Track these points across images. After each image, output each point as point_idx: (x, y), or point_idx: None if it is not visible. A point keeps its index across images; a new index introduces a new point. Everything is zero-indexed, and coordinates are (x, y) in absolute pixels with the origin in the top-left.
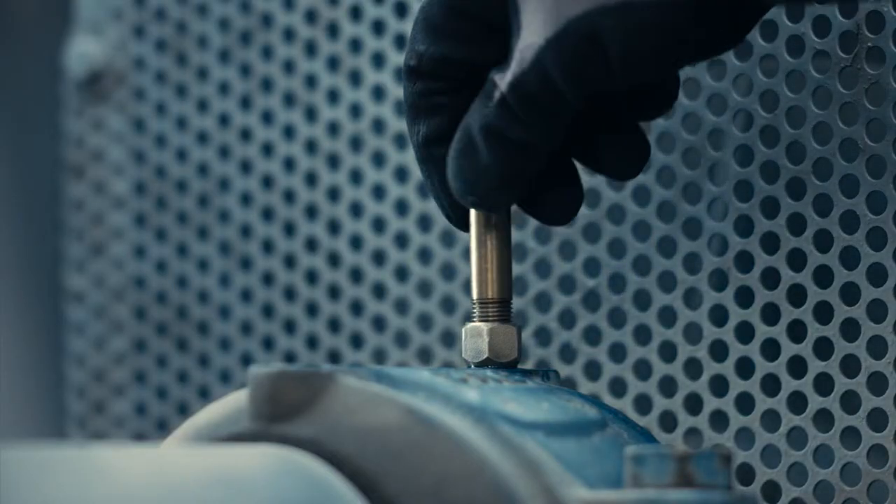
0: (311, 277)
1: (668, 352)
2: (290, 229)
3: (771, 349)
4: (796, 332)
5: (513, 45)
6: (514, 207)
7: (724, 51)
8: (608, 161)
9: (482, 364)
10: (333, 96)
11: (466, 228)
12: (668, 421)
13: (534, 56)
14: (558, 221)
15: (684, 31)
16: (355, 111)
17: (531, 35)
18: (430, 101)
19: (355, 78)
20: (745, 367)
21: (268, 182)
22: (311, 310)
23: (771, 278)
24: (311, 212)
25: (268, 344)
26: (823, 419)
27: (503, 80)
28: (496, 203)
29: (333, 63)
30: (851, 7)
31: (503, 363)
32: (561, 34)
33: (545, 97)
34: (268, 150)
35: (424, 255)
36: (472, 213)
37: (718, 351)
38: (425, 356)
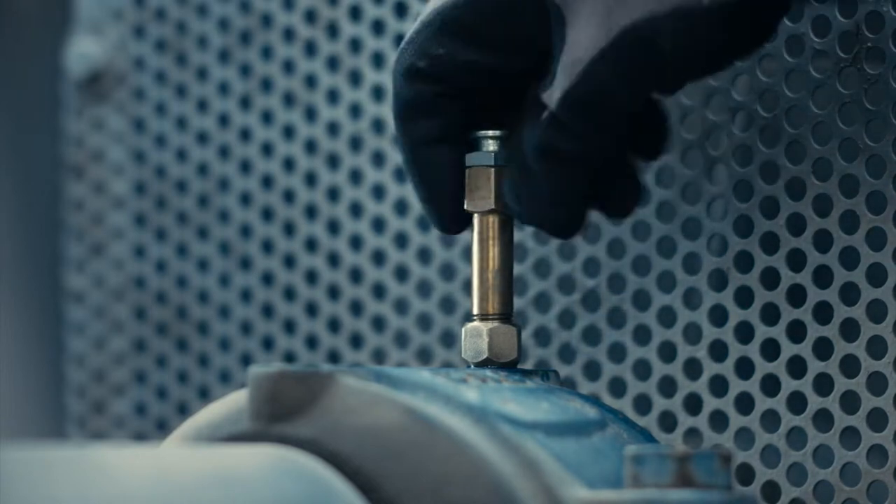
0: (311, 277)
1: (667, 352)
2: (289, 229)
3: (770, 349)
4: (796, 332)
5: (558, 59)
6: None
7: (754, 50)
8: (607, 202)
9: (482, 364)
10: (333, 96)
11: (457, 231)
12: (667, 421)
13: (585, 68)
14: (619, 215)
15: (729, 30)
16: (355, 111)
17: (580, 49)
18: (431, 104)
19: (355, 78)
20: (744, 368)
21: (267, 182)
22: (311, 310)
23: (770, 278)
24: (311, 212)
25: (268, 344)
26: (823, 419)
27: (551, 97)
28: (558, 222)
29: (333, 63)
30: (851, 7)
31: (503, 363)
32: (617, 43)
33: (600, 107)
34: (267, 150)
35: (424, 255)
36: (475, 227)
37: (718, 351)
38: (425, 356)
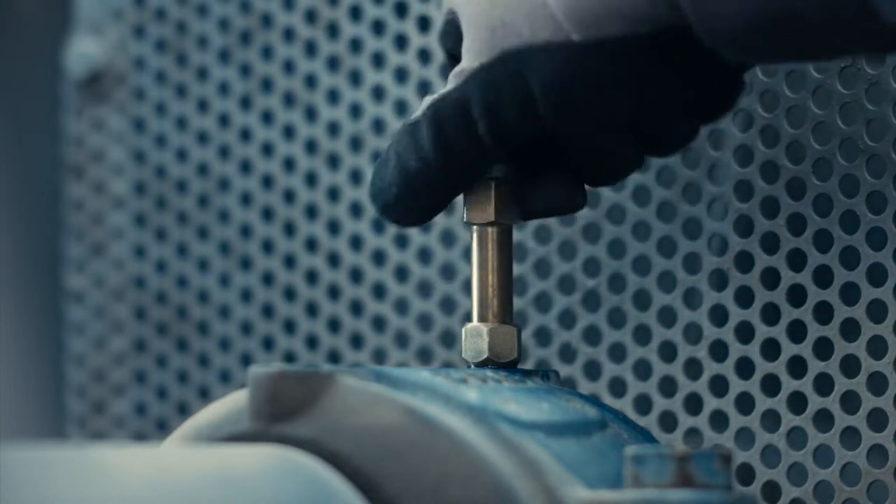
0: (311, 277)
1: (668, 352)
2: (290, 229)
3: (771, 349)
4: (796, 332)
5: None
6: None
7: (658, 92)
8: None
9: (482, 364)
10: (333, 96)
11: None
12: (668, 421)
13: (461, 82)
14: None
15: (598, 72)
16: (355, 111)
17: (465, 61)
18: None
19: (355, 78)
20: (745, 367)
21: (268, 182)
22: (311, 310)
23: (771, 278)
24: (311, 212)
25: (268, 344)
26: (823, 419)
27: (425, 103)
28: (399, 218)
29: (333, 63)
30: None
31: (503, 363)
32: (492, 66)
33: (457, 126)
34: (268, 150)
35: (424, 255)
36: (474, 237)
37: (718, 351)
38: (425, 356)
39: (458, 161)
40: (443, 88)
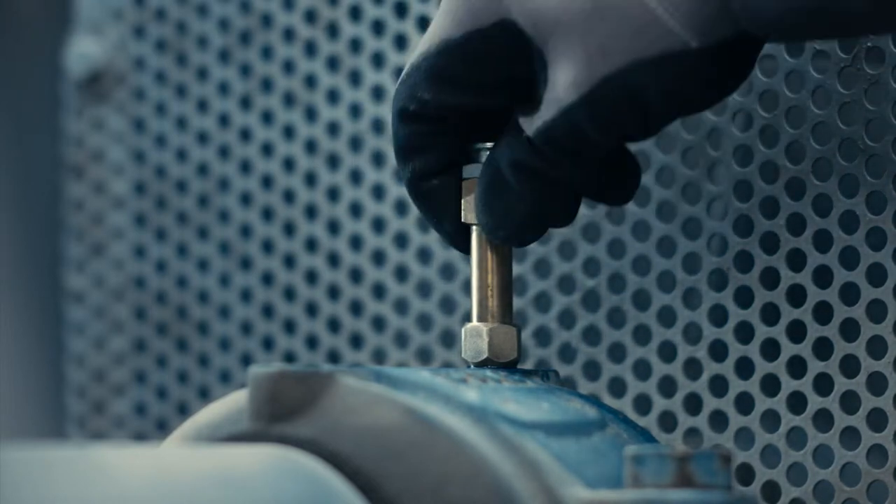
0: (311, 277)
1: (667, 352)
2: (289, 229)
3: (770, 349)
4: (796, 332)
5: (540, 96)
6: None
7: (735, 89)
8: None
9: (482, 364)
10: (333, 96)
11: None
12: (667, 421)
13: (564, 110)
14: (616, 202)
15: (712, 75)
16: (355, 111)
17: (562, 90)
18: (423, 141)
19: (355, 78)
20: (744, 368)
21: (268, 182)
22: (311, 310)
23: (770, 278)
24: (311, 212)
25: (268, 344)
26: (823, 419)
27: (530, 126)
28: (526, 237)
29: (333, 63)
30: None
31: (503, 363)
32: (597, 92)
33: (575, 144)
34: (268, 150)
35: (424, 255)
36: (473, 239)
37: (718, 351)
38: (425, 356)
39: (582, 170)
40: (535, 113)
